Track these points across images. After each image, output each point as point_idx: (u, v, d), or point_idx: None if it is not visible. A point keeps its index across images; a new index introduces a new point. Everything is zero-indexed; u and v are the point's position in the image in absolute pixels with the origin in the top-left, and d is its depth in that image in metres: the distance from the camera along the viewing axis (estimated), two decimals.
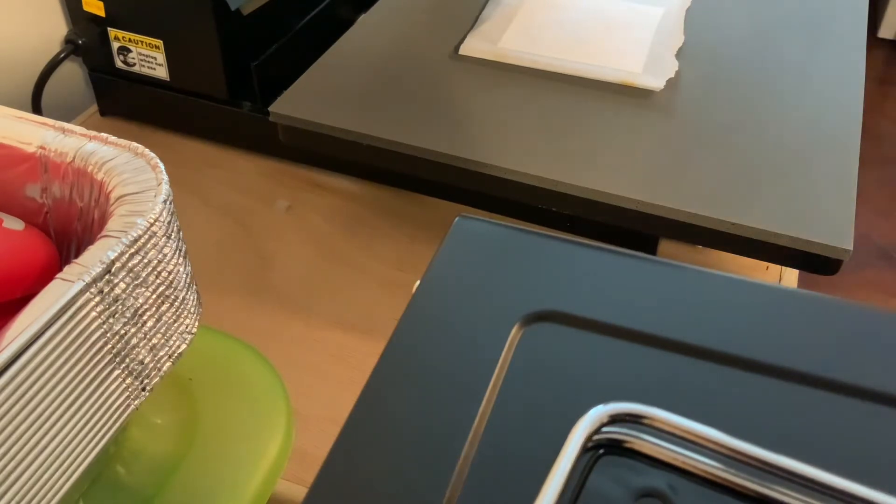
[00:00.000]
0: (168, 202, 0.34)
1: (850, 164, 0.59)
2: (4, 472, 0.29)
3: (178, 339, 0.36)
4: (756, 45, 0.72)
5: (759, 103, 0.65)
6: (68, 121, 0.37)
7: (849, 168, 0.58)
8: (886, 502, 0.23)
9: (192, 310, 0.37)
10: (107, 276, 0.31)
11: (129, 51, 0.74)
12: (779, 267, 0.70)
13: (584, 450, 0.25)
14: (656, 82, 0.67)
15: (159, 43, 0.72)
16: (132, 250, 0.32)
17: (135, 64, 0.75)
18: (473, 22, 0.76)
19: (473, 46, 0.72)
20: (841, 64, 0.70)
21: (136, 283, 0.32)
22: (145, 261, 0.33)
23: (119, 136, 0.36)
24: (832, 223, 0.54)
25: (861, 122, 0.63)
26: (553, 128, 0.63)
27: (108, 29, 0.73)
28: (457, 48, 0.72)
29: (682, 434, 0.26)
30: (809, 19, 0.76)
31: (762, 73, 0.69)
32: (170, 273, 0.34)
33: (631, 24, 0.75)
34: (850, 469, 0.24)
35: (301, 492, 0.47)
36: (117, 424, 0.34)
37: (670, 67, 0.68)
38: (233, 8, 0.68)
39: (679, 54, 0.71)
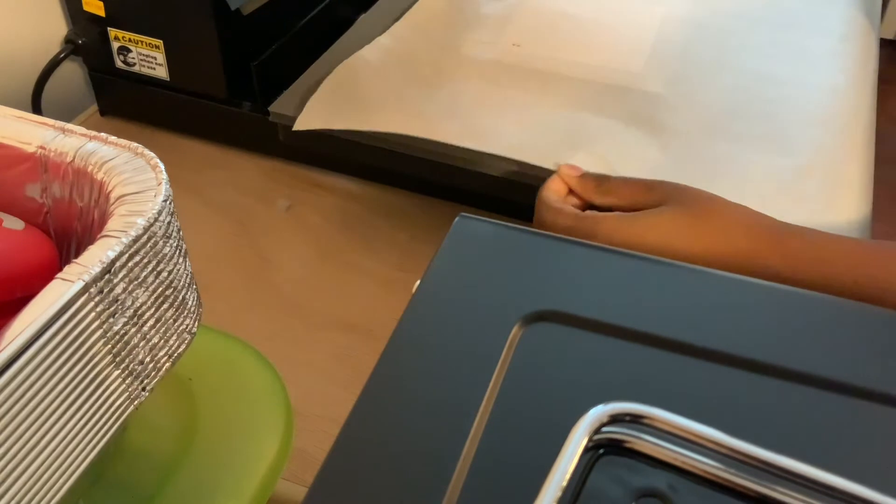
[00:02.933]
0: (168, 202, 0.34)
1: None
2: (4, 472, 0.29)
3: (177, 339, 0.36)
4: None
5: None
6: (68, 121, 0.37)
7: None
8: (886, 502, 0.23)
9: (192, 310, 0.37)
10: (107, 276, 0.31)
11: (129, 51, 0.74)
12: None
13: (585, 450, 0.25)
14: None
15: (159, 43, 0.72)
16: (132, 250, 0.32)
17: (135, 64, 0.75)
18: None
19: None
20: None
21: (136, 282, 0.32)
22: (145, 261, 0.33)
23: (119, 136, 0.36)
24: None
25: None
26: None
27: (108, 29, 0.73)
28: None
29: (682, 434, 0.26)
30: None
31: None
32: (170, 273, 0.34)
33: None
34: (850, 469, 0.24)
35: (301, 492, 0.47)
36: (117, 424, 0.34)
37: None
38: (233, 8, 0.68)
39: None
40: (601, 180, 0.50)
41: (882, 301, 0.41)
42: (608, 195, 0.49)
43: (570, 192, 0.51)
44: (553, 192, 0.51)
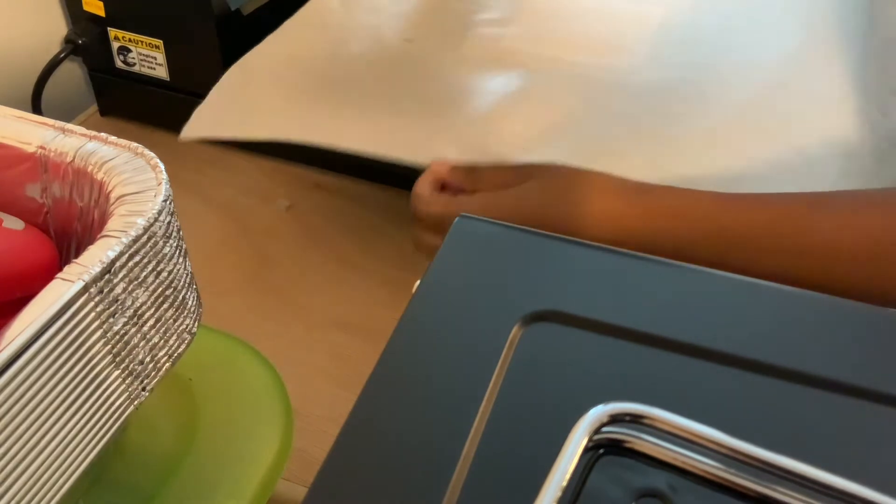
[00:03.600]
0: (168, 202, 0.34)
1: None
2: (4, 472, 0.29)
3: (177, 339, 0.36)
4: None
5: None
6: (68, 121, 0.37)
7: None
8: (886, 502, 0.23)
9: (192, 310, 0.37)
10: (106, 276, 0.31)
11: (129, 51, 0.74)
12: None
13: (585, 450, 0.25)
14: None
15: (159, 43, 0.72)
16: (132, 250, 0.32)
17: (135, 64, 0.75)
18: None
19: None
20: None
21: (136, 282, 0.32)
22: (145, 261, 0.33)
23: (119, 136, 0.36)
24: None
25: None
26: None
27: (108, 29, 0.73)
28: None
29: (682, 434, 0.26)
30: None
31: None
32: (170, 273, 0.34)
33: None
34: (850, 469, 0.24)
35: (301, 492, 0.47)
36: (117, 425, 0.34)
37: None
38: (233, 8, 0.68)
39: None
40: (471, 169, 0.52)
41: (735, 250, 0.42)
42: (479, 182, 0.51)
43: (444, 185, 0.53)
44: (427, 184, 0.53)
